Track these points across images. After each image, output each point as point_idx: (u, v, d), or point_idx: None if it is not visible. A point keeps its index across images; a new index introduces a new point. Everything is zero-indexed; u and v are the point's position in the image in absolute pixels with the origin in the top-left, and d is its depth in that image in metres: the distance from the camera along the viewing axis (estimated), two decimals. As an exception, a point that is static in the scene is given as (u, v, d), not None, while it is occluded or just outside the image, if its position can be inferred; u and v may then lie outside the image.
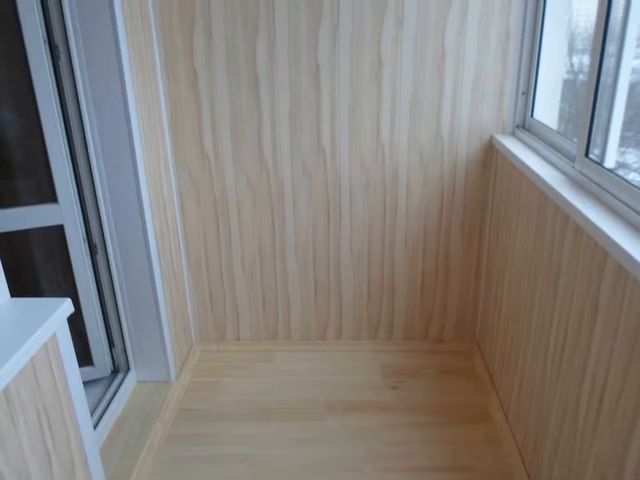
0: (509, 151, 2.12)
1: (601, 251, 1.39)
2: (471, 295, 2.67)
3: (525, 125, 2.30)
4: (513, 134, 2.34)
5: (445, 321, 2.71)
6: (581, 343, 1.52)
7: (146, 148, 2.21)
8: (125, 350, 2.46)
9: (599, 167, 1.59)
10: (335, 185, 2.43)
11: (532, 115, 2.25)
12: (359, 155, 2.38)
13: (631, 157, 2.13)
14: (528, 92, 2.24)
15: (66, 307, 1.46)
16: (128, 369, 2.51)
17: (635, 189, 1.39)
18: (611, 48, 1.54)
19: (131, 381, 2.48)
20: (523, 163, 1.95)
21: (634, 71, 1.56)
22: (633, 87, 1.59)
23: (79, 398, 1.58)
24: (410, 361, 2.66)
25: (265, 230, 2.55)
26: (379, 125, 2.33)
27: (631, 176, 1.97)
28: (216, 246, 2.60)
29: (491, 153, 2.39)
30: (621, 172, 1.59)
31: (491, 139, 2.36)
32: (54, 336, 1.46)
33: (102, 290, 2.31)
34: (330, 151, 2.37)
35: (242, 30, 2.22)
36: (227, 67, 2.28)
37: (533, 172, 1.84)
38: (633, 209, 1.38)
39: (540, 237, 1.84)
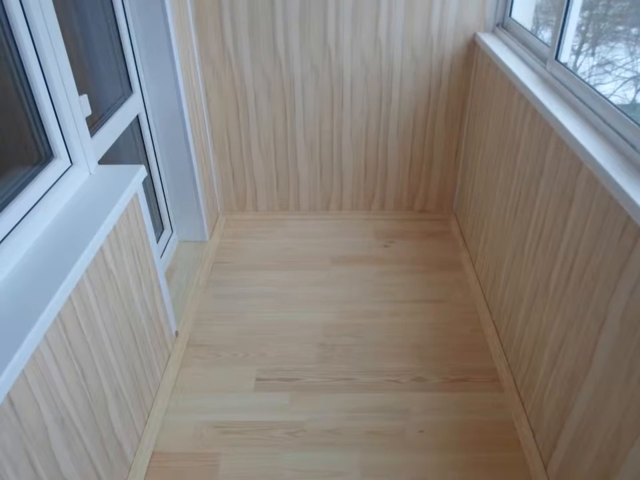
0: (488, 47, 2.47)
1: (548, 128, 1.88)
2: (451, 172, 3.25)
3: (503, 24, 2.48)
4: (493, 32, 2.66)
5: (429, 194, 3.33)
6: (530, 198, 2.06)
7: (180, 41, 2.58)
8: (168, 214, 3.06)
9: (564, 67, 1.98)
10: (338, 78, 2.89)
11: (510, 15, 2.40)
12: (359, 51, 2.76)
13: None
14: (507, -9, 2.60)
15: (142, 172, 1.96)
16: (171, 230, 3.12)
17: (590, 88, 1.78)
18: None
19: (174, 240, 3.13)
20: (499, 59, 2.32)
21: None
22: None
23: (152, 241, 2.15)
24: (399, 227, 3.33)
25: (278, 117, 3.08)
26: (377, 24, 2.69)
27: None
28: (236, 131, 3.14)
29: (473, 50, 2.76)
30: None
31: (474, 36, 2.70)
32: (136, 193, 1.96)
33: (148, 161, 2.76)
34: (334, 47, 2.76)
35: None
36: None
37: (505, 66, 2.24)
38: (584, 102, 1.81)
39: (507, 119, 2.31)
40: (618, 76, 2.58)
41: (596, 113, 1.73)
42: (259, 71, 2.86)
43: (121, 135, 2.38)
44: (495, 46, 2.46)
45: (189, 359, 2.44)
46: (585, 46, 2.66)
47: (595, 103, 1.75)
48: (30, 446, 1.26)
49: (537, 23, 2.58)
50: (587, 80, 1.83)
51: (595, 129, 1.69)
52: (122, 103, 2.41)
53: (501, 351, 2.38)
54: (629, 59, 2.59)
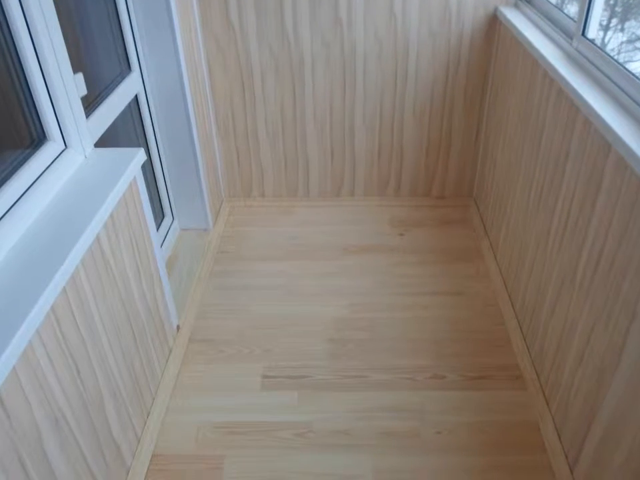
0: (511, 22, 2.47)
1: (575, 108, 1.86)
2: (470, 155, 3.22)
3: (527, -4, 2.67)
4: (515, 6, 2.69)
5: (447, 179, 3.31)
6: (555, 182, 2.05)
7: (181, 17, 2.59)
8: (168, 201, 3.04)
9: (593, 45, 1.95)
10: (350, 54, 2.86)
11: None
12: (373, 25, 2.75)
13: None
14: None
15: (140, 155, 1.93)
16: (172, 218, 3.11)
17: (619, 66, 1.77)
18: None
19: (175, 228, 3.11)
20: (522, 35, 2.38)
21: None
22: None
23: (152, 229, 2.12)
24: (415, 214, 3.32)
25: (287, 97, 3.03)
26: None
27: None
28: (242, 111, 3.10)
29: (494, 25, 2.76)
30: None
31: (495, 10, 2.71)
32: (134, 178, 1.94)
33: (148, 145, 2.77)
34: (346, 22, 2.74)
35: None
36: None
37: (529, 42, 2.23)
38: (612, 80, 1.79)
39: (530, 99, 2.31)
40: (649, 53, 2.56)
41: (625, 92, 1.69)
42: (266, 46, 2.83)
43: (119, 116, 2.36)
44: (518, 21, 2.44)
45: (191, 355, 2.44)
46: (614, 21, 2.64)
47: (625, 81, 1.70)
48: (21, 447, 1.25)
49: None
50: (615, 57, 1.80)
51: (625, 109, 1.66)
52: (120, 82, 2.39)
53: (524, 347, 2.35)
54: (661, 35, 2.56)
